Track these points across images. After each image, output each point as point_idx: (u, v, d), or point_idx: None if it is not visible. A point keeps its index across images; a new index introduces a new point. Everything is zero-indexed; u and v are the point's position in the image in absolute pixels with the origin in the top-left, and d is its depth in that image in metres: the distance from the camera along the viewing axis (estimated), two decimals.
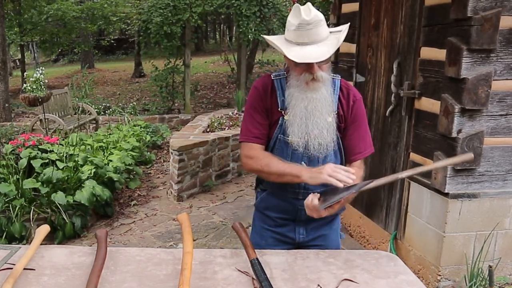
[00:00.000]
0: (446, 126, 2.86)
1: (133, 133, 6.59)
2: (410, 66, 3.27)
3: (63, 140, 5.27)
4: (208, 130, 6.15)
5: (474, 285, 2.93)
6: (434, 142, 3.03)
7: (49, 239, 3.92)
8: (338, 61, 4.29)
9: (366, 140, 1.91)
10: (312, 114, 1.74)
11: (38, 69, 5.97)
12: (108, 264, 1.55)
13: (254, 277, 1.47)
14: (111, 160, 5.08)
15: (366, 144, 1.91)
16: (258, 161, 1.80)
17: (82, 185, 4.32)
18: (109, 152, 5.45)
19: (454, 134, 2.82)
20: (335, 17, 4.33)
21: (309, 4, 1.70)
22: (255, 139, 1.83)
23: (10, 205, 3.98)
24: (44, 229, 1.68)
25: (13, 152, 4.52)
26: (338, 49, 2.88)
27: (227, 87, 12.98)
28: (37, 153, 4.42)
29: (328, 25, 1.83)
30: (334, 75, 1.84)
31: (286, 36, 1.73)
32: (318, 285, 1.48)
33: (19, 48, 16.03)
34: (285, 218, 1.92)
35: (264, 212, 1.97)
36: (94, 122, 8.32)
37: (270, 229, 1.96)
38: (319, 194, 1.65)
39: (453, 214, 2.95)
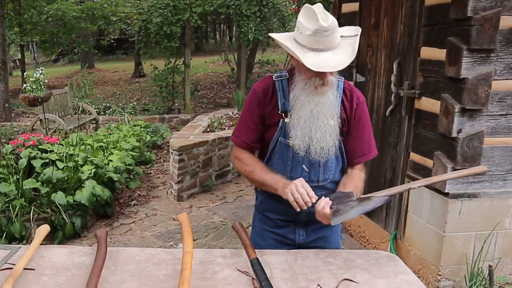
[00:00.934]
0: (446, 126, 2.86)
1: (133, 133, 6.58)
2: (410, 66, 3.27)
3: (63, 140, 5.27)
4: (208, 130, 6.15)
5: (474, 285, 2.93)
6: (434, 142, 3.03)
7: (49, 239, 3.92)
8: None
9: (370, 143, 1.89)
10: (317, 117, 1.72)
11: (38, 69, 5.97)
12: (108, 264, 1.55)
13: (254, 277, 1.47)
14: (111, 160, 5.08)
15: (370, 147, 1.89)
16: (243, 166, 1.87)
17: (82, 185, 4.32)
18: (109, 152, 5.45)
19: (454, 134, 2.82)
20: (335, 17, 4.32)
21: (320, 6, 1.64)
22: (243, 143, 1.87)
23: (10, 205, 3.98)
24: (44, 229, 1.68)
25: (13, 152, 4.52)
26: None
27: (227, 87, 12.98)
28: (37, 153, 4.42)
29: None
30: (338, 76, 1.79)
31: (298, 38, 1.65)
32: (318, 285, 1.47)
33: (19, 48, 16.04)
34: (286, 220, 1.92)
35: (264, 213, 1.97)
36: (94, 122, 8.32)
37: (270, 230, 1.95)
38: (331, 202, 1.63)
39: (453, 214, 2.95)
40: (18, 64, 19.61)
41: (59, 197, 4.03)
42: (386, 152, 3.60)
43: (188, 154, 5.20)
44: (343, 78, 1.84)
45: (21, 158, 4.34)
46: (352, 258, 1.68)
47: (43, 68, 6.21)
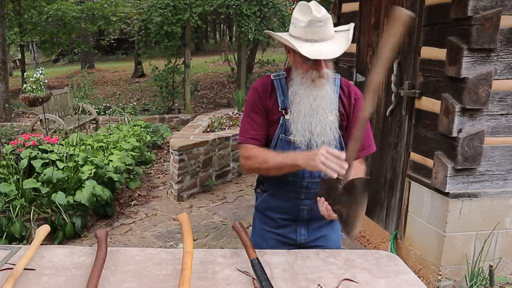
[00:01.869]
0: (447, 126, 2.86)
1: (133, 133, 6.58)
2: (411, 66, 3.27)
3: (63, 140, 5.27)
4: (208, 130, 6.15)
5: (475, 285, 2.93)
6: (434, 142, 3.03)
7: (49, 239, 3.92)
8: (338, 61, 4.29)
9: (369, 138, 1.91)
10: (317, 111, 1.73)
11: (38, 69, 5.97)
12: (108, 264, 1.55)
13: (255, 277, 1.47)
14: (111, 160, 5.08)
15: (370, 141, 1.91)
16: (255, 160, 1.80)
17: (82, 185, 4.32)
18: (109, 152, 5.45)
19: (454, 134, 2.82)
20: (335, 17, 4.33)
21: (315, 2, 1.69)
22: (252, 140, 1.84)
23: (11, 205, 3.98)
24: (44, 229, 1.68)
25: (13, 152, 4.52)
26: None
27: (227, 87, 12.98)
28: (37, 153, 4.42)
29: None
30: (334, 74, 1.83)
31: (293, 32, 1.71)
32: (319, 285, 1.47)
33: (19, 48, 16.06)
34: (287, 219, 1.91)
35: (265, 213, 1.97)
36: (94, 122, 8.32)
37: (271, 231, 1.95)
38: (326, 202, 1.61)
39: (453, 213, 2.95)
40: (18, 64, 19.63)
41: (59, 197, 4.03)
42: (387, 151, 3.60)
43: (188, 154, 5.20)
44: (339, 75, 1.87)
45: (21, 158, 4.34)
46: (352, 258, 1.68)
47: (43, 68, 6.22)
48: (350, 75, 4.06)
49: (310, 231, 1.92)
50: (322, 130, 1.75)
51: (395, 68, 3.38)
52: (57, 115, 7.57)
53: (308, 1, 1.70)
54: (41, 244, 1.62)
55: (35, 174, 4.25)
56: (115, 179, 4.77)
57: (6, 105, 9.46)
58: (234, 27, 10.58)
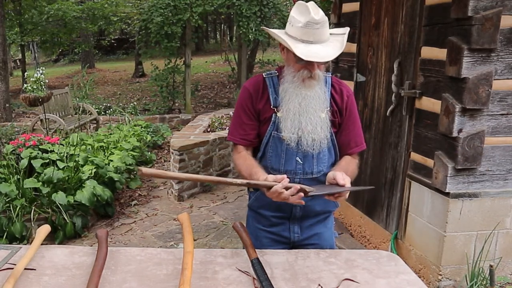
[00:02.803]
0: (447, 126, 2.86)
1: (134, 133, 6.58)
2: (411, 66, 3.27)
3: (63, 140, 5.27)
4: (208, 130, 6.16)
5: (475, 285, 2.93)
6: (434, 142, 3.03)
7: (50, 239, 3.92)
8: (338, 61, 4.29)
9: (360, 135, 1.96)
10: (306, 110, 1.77)
11: (38, 69, 5.97)
12: (109, 264, 1.55)
13: (255, 277, 1.47)
14: (111, 160, 5.08)
15: (361, 138, 1.96)
16: (236, 167, 1.91)
17: (83, 185, 4.33)
18: (109, 152, 5.45)
19: (455, 134, 2.82)
20: (335, 17, 4.32)
21: (313, 3, 1.72)
22: (241, 140, 1.90)
23: (11, 205, 3.98)
24: (45, 229, 1.68)
25: (13, 152, 4.52)
26: None
27: (228, 87, 12.98)
28: (38, 153, 4.42)
29: (329, 25, 1.85)
30: (325, 73, 1.87)
31: (289, 31, 1.73)
32: (319, 285, 1.47)
33: (19, 48, 16.05)
34: (280, 217, 1.93)
35: (258, 211, 1.98)
36: (95, 122, 8.32)
37: (264, 229, 1.97)
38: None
39: (454, 213, 2.95)
40: (18, 64, 19.62)
41: (60, 197, 4.03)
42: (387, 151, 3.60)
43: (189, 154, 5.20)
44: (330, 73, 1.92)
45: (21, 158, 4.34)
46: (352, 258, 1.68)
47: (43, 68, 6.22)
48: (350, 75, 4.06)
49: (304, 229, 1.94)
50: (313, 129, 1.79)
51: (395, 68, 3.38)
52: (58, 115, 7.58)
53: (307, 1, 1.71)
54: (42, 244, 1.63)
55: (36, 174, 4.25)
56: (116, 179, 4.77)
57: (7, 105, 9.46)
58: (235, 27, 10.57)
